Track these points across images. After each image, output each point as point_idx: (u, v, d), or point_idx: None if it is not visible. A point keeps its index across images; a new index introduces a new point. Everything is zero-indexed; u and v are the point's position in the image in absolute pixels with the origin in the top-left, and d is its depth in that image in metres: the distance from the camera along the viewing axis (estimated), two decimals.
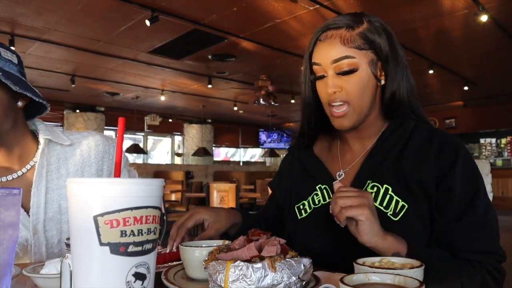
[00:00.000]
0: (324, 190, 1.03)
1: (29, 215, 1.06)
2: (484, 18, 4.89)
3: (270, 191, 1.30)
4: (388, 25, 1.01)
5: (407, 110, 1.01)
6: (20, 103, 1.06)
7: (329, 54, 0.95)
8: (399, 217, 0.90)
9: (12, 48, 1.16)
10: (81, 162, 1.16)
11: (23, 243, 1.05)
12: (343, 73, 0.94)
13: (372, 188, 0.94)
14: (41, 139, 1.11)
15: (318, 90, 1.00)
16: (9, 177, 1.07)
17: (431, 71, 7.11)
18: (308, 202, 1.04)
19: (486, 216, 0.87)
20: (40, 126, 1.15)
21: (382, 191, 0.93)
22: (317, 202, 1.03)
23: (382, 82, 0.99)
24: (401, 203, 0.91)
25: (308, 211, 1.03)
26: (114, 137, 1.27)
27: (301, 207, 1.05)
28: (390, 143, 0.99)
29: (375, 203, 0.92)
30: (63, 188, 1.11)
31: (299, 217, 1.04)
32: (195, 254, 0.75)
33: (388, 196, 0.92)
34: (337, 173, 1.05)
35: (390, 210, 0.91)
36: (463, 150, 0.93)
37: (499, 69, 7.57)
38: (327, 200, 1.01)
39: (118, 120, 0.58)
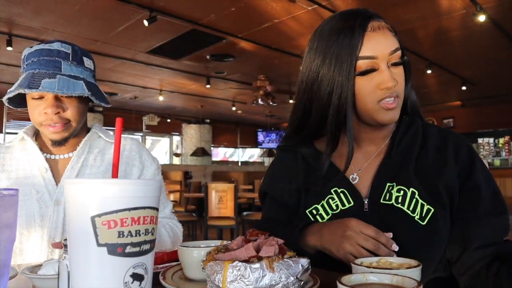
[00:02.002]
0: (342, 194, 0.96)
1: (57, 187, 1.24)
2: (482, 18, 4.91)
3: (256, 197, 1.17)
4: None
5: (416, 110, 1.02)
6: (91, 103, 1.30)
7: (387, 45, 0.88)
8: (426, 221, 0.88)
9: (89, 53, 1.33)
10: None
11: (44, 209, 1.21)
12: (395, 65, 0.90)
13: (398, 191, 0.91)
14: (90, 132, 1.34)
15: (364, 85, 0.90)
16: (57, 157, 1.29)
17: (429, 71, 7.13)
18: (323, 206, 0.96)
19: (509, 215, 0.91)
20: (95, 124, 1.39)
21: (409, 194, 0.91)
22: (334, 207, 0.96)
23: None
24: (426, 206, 0.89)
25: (326, 217, 0.96)
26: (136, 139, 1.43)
27: (315, 212, 0.97)
28: (406, 143, 0.97)
29: (402, 207, 0.90)
30: (93, 175, 1.28)
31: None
32: (193, 255, 0.75)
33: (414, 200, 0.90)
34: (350, 177, 0.99)
35: (417, 214, 0.89)
36: (473, 148, 0.96)
37: (497, 69, 7.59)
38: (347, 205, 0.95)
39: (116, 121, 0.58)
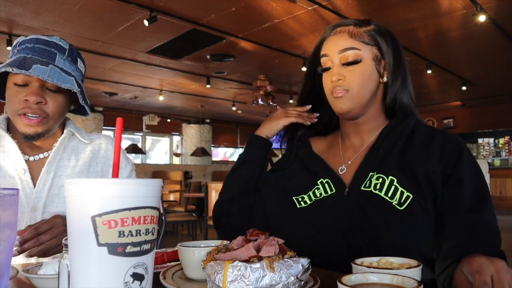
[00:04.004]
0: (326, 184, 1.02)
1: (34, 191, 1.17)
2: (482, 18, 4.91)
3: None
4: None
5: (408, 112, 1.06)
6: (72, 107, 1.28)
7: (337, 45, 1.02)
8: (404, 206, 0.90)
9: (82, 57, 1.34)
10: (90, 158, 1.27)
11: (20, 214, 1.13)
12: (348, 64, 1.00)
13: (377, 179, 0.95)
14: (65, 130, 1.27)
15: (324, 81, 1.06)
16: (31, 158, 1.22)
17: (429, 71, 7.12)
18: (309, 195, 1.03)
19: (494, 215, 0.89)
20: (69, 121, 1.32)
21: (387, 182, 0.93)
22: (318, 195, 1.02)
23: (385, 79, 1.03)
24: (406, 193, 0.91)
25: (309, 202, 1.02)
26: (112, 137, 1.36)
27: (300, 199, 1.04)
28: (393, 137, 1.01)
29: (379, 193, 0.93)
30: (68, 176, 1.22)
31: (298, 206, 1.03)
32: (194, 255, 0.75)
33: (393, 187, 0.92)
34: (339, 168, 1.05)
35: (395, 200, 0.91)
36: (465, 146, 0.97)
37: (497, 69, 7.59)
38: (329, 192, 1.01)
39: (116, 120, 0.58)
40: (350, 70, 1.00)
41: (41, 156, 1.22)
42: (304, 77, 1.18)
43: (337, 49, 1.01)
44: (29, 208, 1.14)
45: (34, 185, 1.17)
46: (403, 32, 5.44)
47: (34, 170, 1.20)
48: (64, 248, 0.58)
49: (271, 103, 8.71)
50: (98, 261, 0.47)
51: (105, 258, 0.47)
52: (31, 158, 1.21)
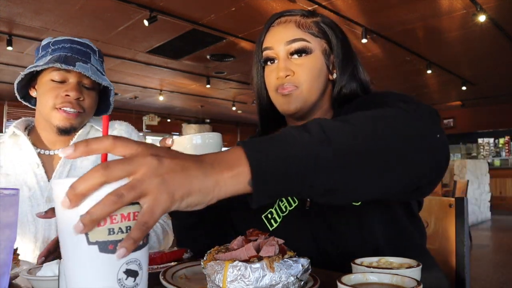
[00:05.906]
0: None
1: (49, 183, 1.21)
2: (482, 18, 4.91)
3: None
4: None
5: (352, 97, 0.97)
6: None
7: (283, 36, 0.93)
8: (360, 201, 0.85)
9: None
10: None
11: (36, 207, 1.17)
12: (297, 52, 0.92)
13: None
14: (85, 125, 1.31)
15: (267, 76, 0.96)
16: (51, 152, 1.26)
17: (429, 71, 7.12)
18: (276, 210, 0.95)
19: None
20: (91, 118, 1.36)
21: None
22: (284, 209, 0.94)
23: (334, 75, 0.97)
24: None
25: (278, 220, 0.94)
26: (126, 124, 1.43)
27: (269, 216, 0.96)
28: None
29: None
30: (84, 168, 1.24)
31: (270, 229, 0.95)
32: (192, 141, 0.77)
33: None
34: None
35: None
36: (384, 92, 0.90)
37: (496, 69, 7.59)
38: (293, 205, 0.93)
39: (102, 118, 0.58)
40: (299, 64, 0.92)
41: (60, 150, 1.26)
42: (253, 77, 1.03)
43: (283, 40, 0.92)
44: (44, 199, 1.18)
45: (49, 177, 1.21)
46: (403, 32, 5.43)
47: (52, 164, 1.25)
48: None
49: None
50: (90, 260, 0.46)
51: (97, 256, 0.46)
52: (51, 153, 1.26)
